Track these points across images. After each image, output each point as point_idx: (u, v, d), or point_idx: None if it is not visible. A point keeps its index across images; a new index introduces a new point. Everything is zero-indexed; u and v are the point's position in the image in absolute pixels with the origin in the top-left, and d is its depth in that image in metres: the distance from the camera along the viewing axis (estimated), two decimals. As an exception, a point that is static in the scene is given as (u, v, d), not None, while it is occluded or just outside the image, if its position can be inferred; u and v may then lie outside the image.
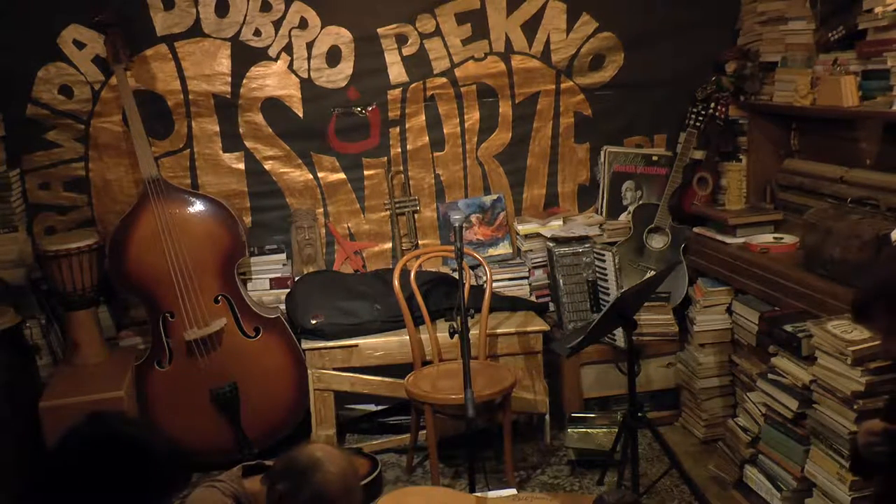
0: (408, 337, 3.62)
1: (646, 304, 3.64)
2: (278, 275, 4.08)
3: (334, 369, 3.73)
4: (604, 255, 3.87)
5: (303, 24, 3.98)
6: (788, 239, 3.59)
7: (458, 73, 4.13)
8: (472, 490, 3.02)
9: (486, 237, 4.25)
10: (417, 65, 4.09)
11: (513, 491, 2.86)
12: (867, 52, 3.18)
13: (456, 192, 4.28)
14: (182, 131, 4.00)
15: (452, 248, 3.20)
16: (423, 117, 4.17)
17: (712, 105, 3.96)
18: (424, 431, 3.49)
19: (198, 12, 3.89)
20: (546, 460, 3.71)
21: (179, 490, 1.84)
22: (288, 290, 4.03)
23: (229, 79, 3.97)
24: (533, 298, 4.13)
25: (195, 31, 3.91)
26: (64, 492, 1.69)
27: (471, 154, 4.25)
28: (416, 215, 4.24)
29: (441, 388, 3.37)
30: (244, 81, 3.99)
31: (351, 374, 3.73)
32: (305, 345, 3.73)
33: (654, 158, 4.25)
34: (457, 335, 3.11)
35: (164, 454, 1.80)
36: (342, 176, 4.17)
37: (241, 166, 4.08)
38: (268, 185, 4.12)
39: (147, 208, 3.63)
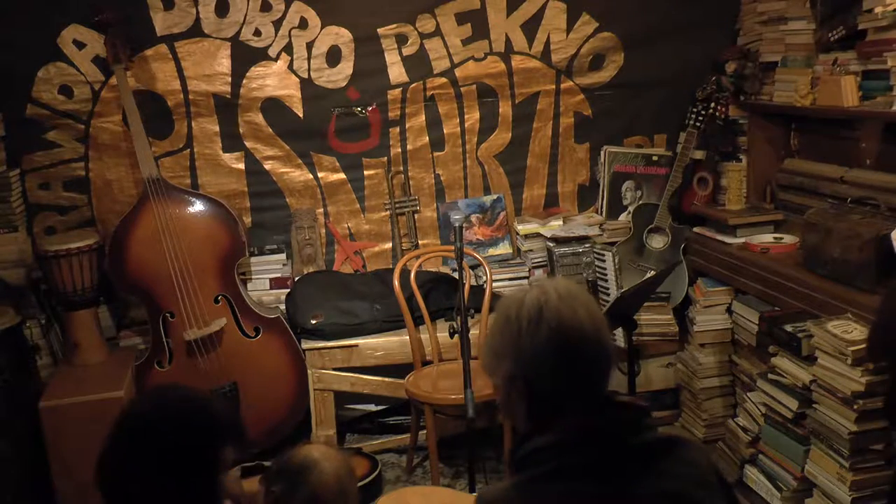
0: (408, 337, 3.62)
1: (646, 304, 3.63)
2: (278, 275, 4.08)
3: (334, 369, 3.73)
4: (604, 255, 3.87)
5: (303, 24, 3.98)
6: (788, 239, 3.59)
7: (458, 73, 4.13)
8: (472, 490, 3.02)
9: (486, 237, 4.25)
10: (417, 65, 4.09)
11: (513, 491, 2.86)
12: (867, 52, 3.18)
13: (456, 192, 4.28)
14: (182, 131, 4.00)
15: (452, 248, 3.20)
16: (423, 117, 4.17)
17: (712, 105, 3.96)
18: (424, 431, 3.49)
19: (198, 12, 3.89)
20: (546, 460, 3.70)
21: (241, 445, 1.83)
22: (288, 290, 4.03)
23: (229, 79, 3.97)
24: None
25: (195, 31, 3.91)
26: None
27: (471, 154, 4.25)
28: (416, 215, 4.24)
29: (441, 388, 3.37)
30: (244, 81, 3.99)
31: (351, 374, 3.73)
32: (305, 345, 3.73)
33: (654, 158, 4.25)
34: (457, 335, 3.11)
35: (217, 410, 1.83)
36: (342, 176, 4.17)
37: (241, 166, 4.08)
38: (268, 185, 4.12)
39: (147, 208, 3.63)
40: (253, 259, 4.05)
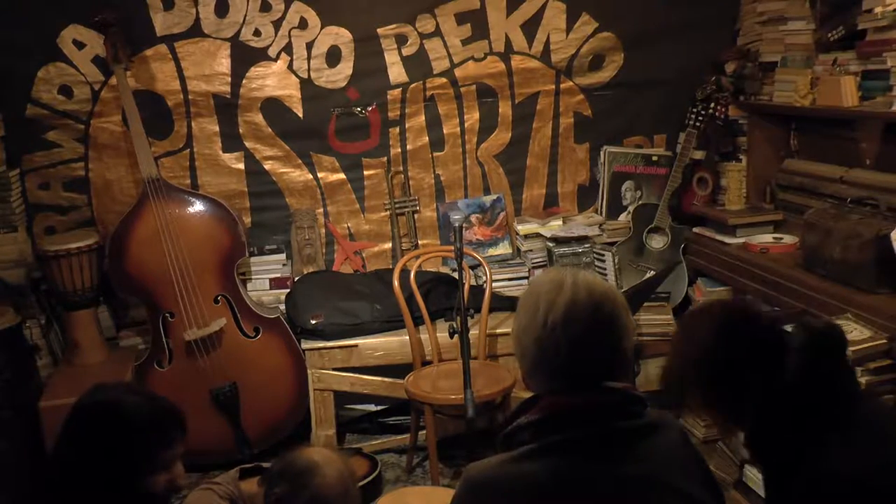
0: (408, 337, 3.62)
1: (646, 304, 3.64)
2: (278, 275, 4.08)
3: (334, 369, 3.73)
4: (604, 255, 3.88)
5: (303, 24, 3.98)
6: (788, 239, 3.59)
7: (457, 73, 4.13)
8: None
9: (486, 237, 4.25)
10: (417, 65, 4.09)
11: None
12: (867, 52, 3.18)
13: (456, 192, 4.28)
14: (182, 131, 4.00)
15: (452, 248, 3.21)
16: (423, 117, 4.17)
17: (712, 105, 3.96)
18: (424, 431, 3.49)
19: (198, 12, 3.89)
20: (546, 460, 3.70)
21: (173, 439, 1.98)
22: (288, 290, 4.03)
23: (229, 79, 3.97)
24: (533, 298, 4.12)
25: (195, 31, 3.91)
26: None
27: (471, 154, 4.25)
28: (415, 215, 4.24)
29: (441, 388, 3.37)
30: (244, 81, 3.99)
31: (351, 374, 3.73)
32: (305, 345, 3.73)
33: (654, 158, 4.25)
34: (457, 335, 3.12)
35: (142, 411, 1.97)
36: (342, 176, 4.17)
37: (241, 166, 4.08)
38: (268, 185, 4.12)
39: (147, 208, 3.63)
40: (253, 259, 4.05)
